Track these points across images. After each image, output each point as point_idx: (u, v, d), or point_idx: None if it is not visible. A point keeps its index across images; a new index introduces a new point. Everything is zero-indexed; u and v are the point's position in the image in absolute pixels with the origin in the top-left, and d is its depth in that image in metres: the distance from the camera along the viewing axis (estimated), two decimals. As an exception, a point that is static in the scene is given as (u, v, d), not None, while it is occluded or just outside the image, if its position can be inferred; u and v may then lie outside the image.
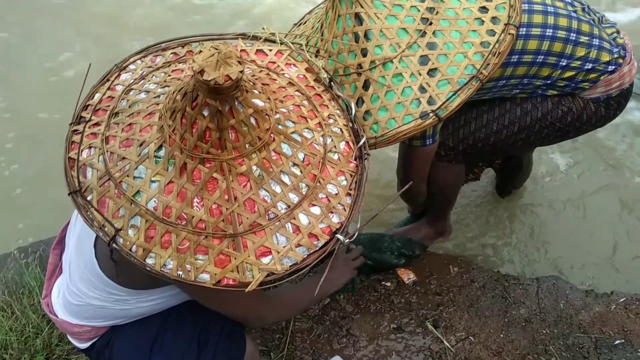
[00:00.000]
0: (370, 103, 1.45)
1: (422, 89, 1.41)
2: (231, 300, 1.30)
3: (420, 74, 1.41)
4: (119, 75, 1.25)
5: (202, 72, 0.93)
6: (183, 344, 1.42)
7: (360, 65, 1.44)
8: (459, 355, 1.89)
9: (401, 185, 1.92)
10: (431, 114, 1.39)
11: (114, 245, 1.02)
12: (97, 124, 1.14)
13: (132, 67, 1.27)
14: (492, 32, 1.43)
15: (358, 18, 1.44)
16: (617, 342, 1.92)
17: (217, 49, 0.94)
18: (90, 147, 1.11)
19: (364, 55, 1.44)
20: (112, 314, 1.36)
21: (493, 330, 1.96)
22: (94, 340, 1.43)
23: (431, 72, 1.41)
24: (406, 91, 1.42)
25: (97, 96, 1.20)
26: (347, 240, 1.09)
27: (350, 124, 1.26)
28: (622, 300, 2.05)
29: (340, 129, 1.23)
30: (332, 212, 1.11)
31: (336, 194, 1.13)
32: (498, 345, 1.92)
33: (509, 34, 1.42)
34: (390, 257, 2.08)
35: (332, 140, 1.19)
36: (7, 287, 2.11)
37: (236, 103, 0.99)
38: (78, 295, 1.35)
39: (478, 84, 1.39)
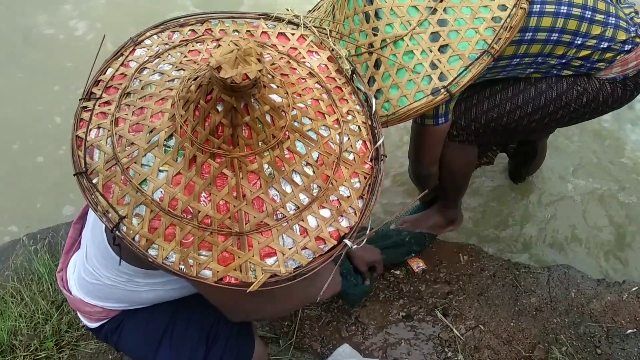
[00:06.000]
0: (381, 81, 1.43)
1: (433, 66, 1.39)
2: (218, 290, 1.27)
3: (431, 51, 1.40)
4: (133, 50, 1.19)
5: (219, 68, 0.89)
6: (192, 338, 1.41)
7: (371, 45, 1.43)
8: (469, 343, 1.87)
9: (412, 168, 1.90)
10: (442, 90, 1.38)
11: (117, 232, 0.99)
12: (107, 103, 1.11)
13: (147, 42, 1.22)
14: (503, 7, 1.41)
15: (369, -3, 1.43)
16: (629, 331, 1.90)
17: (236, 45, 0.90)
18: (99, 127, 1.07)
19: (375, 34, 1.43)
20: (123, 296, 1.35)
21: (503, 319, 1.94)
22: (103, 322, 1.42)
23: (442, 48, 1.40)
24: (417, 68, 1.40)
25: (110, 72, 1.16)
26: (355, 246, 1.05)
27: (369, 122, 1.21)
28: (634, 289, 2.02)
29: (359, 127, 1.18)
30: (342, 216, 1.07)
31: (348, 197, 1.09)
32: (508, 334, 1.90)
33: (521, 7, 1.40)
34: (400, 254, 2.06)
35: (348, 138, 1.14)
36: (17, 273, 2.11)
37: (252, 100, 0.96)
38: (92, 273, 1.34)
39: (489, 59, 1.38)
